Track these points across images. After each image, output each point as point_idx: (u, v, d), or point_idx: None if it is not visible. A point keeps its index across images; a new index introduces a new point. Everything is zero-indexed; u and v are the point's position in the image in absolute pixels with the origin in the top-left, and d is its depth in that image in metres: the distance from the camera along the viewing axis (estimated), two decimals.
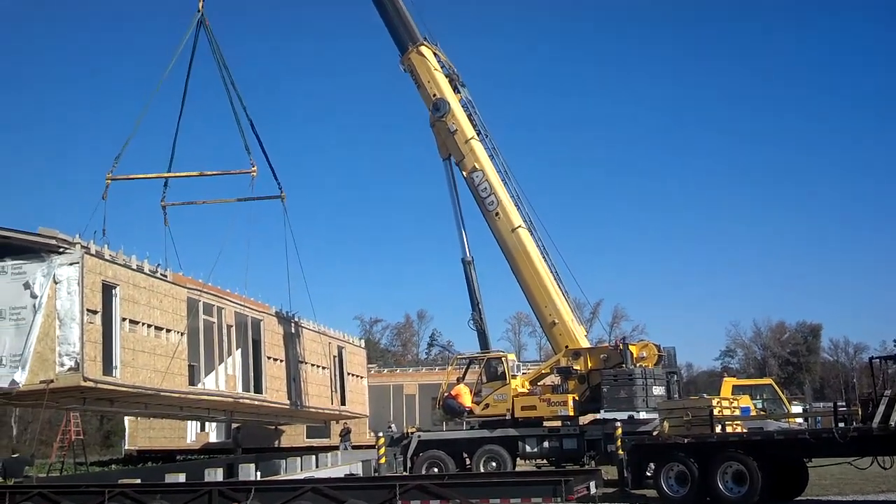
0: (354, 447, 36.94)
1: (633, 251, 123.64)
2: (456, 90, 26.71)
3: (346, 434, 38.37)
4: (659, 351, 23.70)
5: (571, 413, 23.19)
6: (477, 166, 25.76)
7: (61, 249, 19.47)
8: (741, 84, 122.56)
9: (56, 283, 19.31)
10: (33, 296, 19.33)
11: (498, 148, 26.54)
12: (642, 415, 22.19)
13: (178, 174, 26.62)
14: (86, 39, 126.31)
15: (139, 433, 44.17)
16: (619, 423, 21.68)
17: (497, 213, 25.44)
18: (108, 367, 19.93)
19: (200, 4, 25.76)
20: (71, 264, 19.42)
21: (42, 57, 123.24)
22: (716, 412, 18.73)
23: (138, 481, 19.27)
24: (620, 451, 20.31)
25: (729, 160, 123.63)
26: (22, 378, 19.01)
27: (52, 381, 19.01)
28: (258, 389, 27.18)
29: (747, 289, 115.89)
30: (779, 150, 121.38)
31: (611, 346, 24.61)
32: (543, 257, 25.42)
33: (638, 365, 22.97)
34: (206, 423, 41.03)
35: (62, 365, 19.08)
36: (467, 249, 26.42)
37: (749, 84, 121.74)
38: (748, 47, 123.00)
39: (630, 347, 23.44)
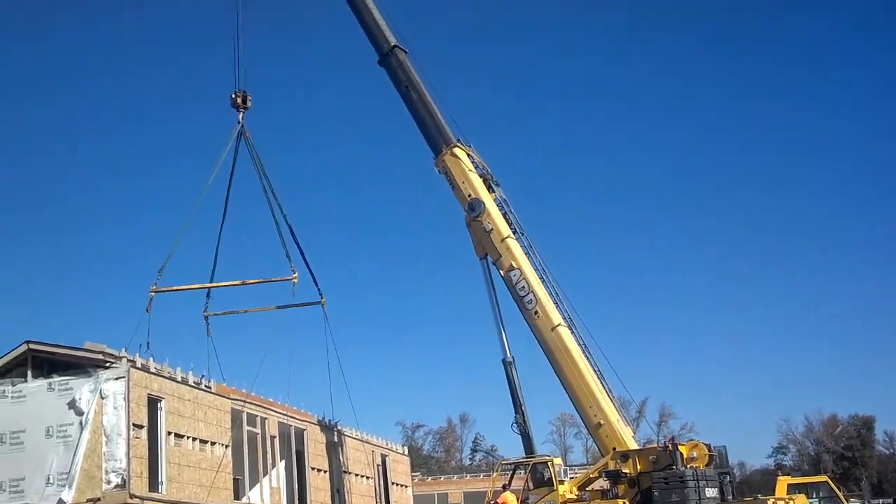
0: None
1: (677, 347, 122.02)
2: (490, 189, 26.95)
3: None
4: (710, 451, 22.95)
5: None
6: (514, 265, 25.76)
7: (107, 364, 19.77)
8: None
9: (102, 398, 19.52)
10: (80, 412, 19.56)
11: (534, 246, 26.56)
12: None
13: (220, 284, 26.85)
14: (126, 152, 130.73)
15: None
16: None
17: (536, 312, 25.25)
18: (153, 482, 19.90)
19: (240, 116, 26.64)
20: (117, 379, 19.65)
21: (84, 170, 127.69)
22: None
23: None
24: None
25: (774, 255, 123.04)
26: (69, 497, 19.07)
27: (98, 499, 19.04)
28: (302, 502, 26.82)
29: (797, 382, 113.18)
30: (823, 246, 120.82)
31: (660, 446, 23.89)
32: (585, 355, 24.98)
33: (689, 466, 22.26)
34: None
35: (109, 482, 19.11)
36: (508, 350, 26.14)
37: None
38: None
39: (680, 448, 22.73)
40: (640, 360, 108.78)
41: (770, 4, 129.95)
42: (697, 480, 21.79)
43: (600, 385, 24.70)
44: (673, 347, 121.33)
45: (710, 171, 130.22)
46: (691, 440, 24.67)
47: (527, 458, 25.09)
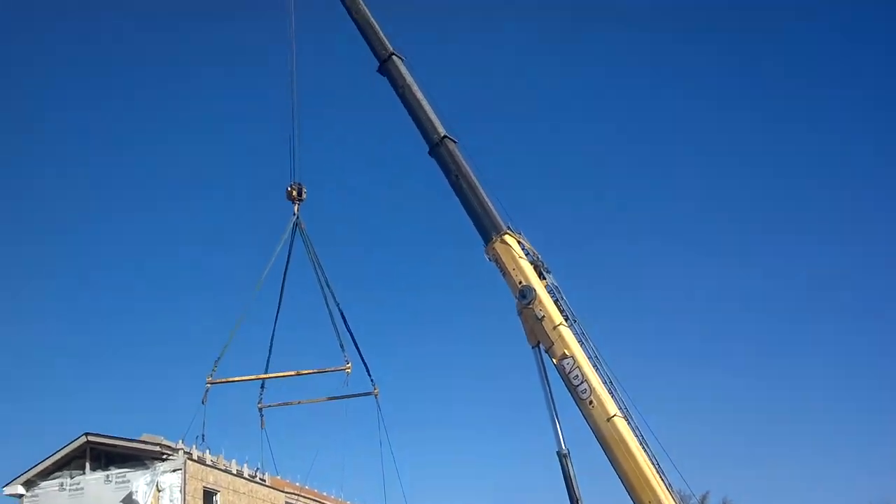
0: None
1: (737, 437, 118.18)
2: (541, 276, 26.89)
3: None
4: None
5: None
6: (567, 353, 25.47)
7: (164, 456, 20.08)
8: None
9: (159, 490, 19.81)
10: None
11: (587, 333, 26.34)
12: None
13: (274, 375, 27.00)
14: (181, 238, 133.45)
15: None
16: None
17: (591, 402, 24.81)
18: None
19: (296, 208, 27.27)
20: (174, 471, 19.94)
21: (135, 248, 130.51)
22: None
23: None
24: None
25: (835, 338, 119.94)
26: None
27: None
28: None
29: (868, 470, 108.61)
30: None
31: None
32: (642, 447, 24.51)
33: None
34: None
35: None
36: (562, 442, 25.69)
37: None
38: None
39: None
40: (701, 451, 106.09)
41: None
42: None
43: (658, 477, 24.07)
44: (735, 433, 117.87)
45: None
46: None
47: None
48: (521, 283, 26.45)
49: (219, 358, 25.68)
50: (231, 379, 26.47)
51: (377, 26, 29.13)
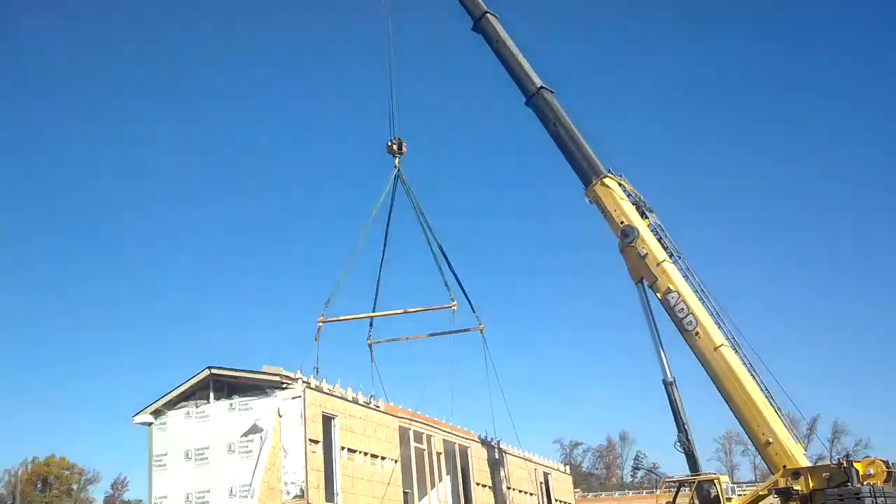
0: None
1: (851, 361, 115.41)
2: (643, 216, 26.99)
3: None
4: (888, 467, 21.95)
5: None
6: (671, 287, 25.58)
7: (284, 385, 21.04)
8: None
9: (280, 416, 20.79)
10: (259, 430, 20.90)
11: (693, 268, 26.31)
12: None
13: (382, 313, 28.13)
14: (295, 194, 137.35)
15: None
16: None
17: (697, 333, 24.95)
18: (329, 494, 21.01)
19: (397, 161, 28.03)
20: (293, 398, 20.89)
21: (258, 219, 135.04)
22: None
23: None
24: None
25: None
26: None
27: None
28: None
29: None
30: None
31: (833, 464, 23.12)
32: (751, 374, 24.47)
33: (865, 483, 21.43)
34: None
35: (288, 493, 20.29)
36: (668, 371, 25.90)
37: None
38: None
39: (855, 465, 21.93)
40: (813, 375, 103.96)
41: None
42: (875, 497, 20.98)
43: (768, 403, 24.11)
44: (848, 361, 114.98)
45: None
46: (867, 457, 23.61)
47: (693, 475, 24.78)
48: (622, 222, 26.62)
49: (329, 299, 26.95)
50: (341, 318, 27.64)
51: None
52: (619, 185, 27.25)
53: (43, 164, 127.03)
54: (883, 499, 21.07)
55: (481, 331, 27.34)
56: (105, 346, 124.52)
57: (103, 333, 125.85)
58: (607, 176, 27.19)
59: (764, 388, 24.47)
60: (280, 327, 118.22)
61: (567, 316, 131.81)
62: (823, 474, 22.35)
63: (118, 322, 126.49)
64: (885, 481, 21.67)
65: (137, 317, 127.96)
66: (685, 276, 26.00)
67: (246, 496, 20.53)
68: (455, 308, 26.33)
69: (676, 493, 25.25)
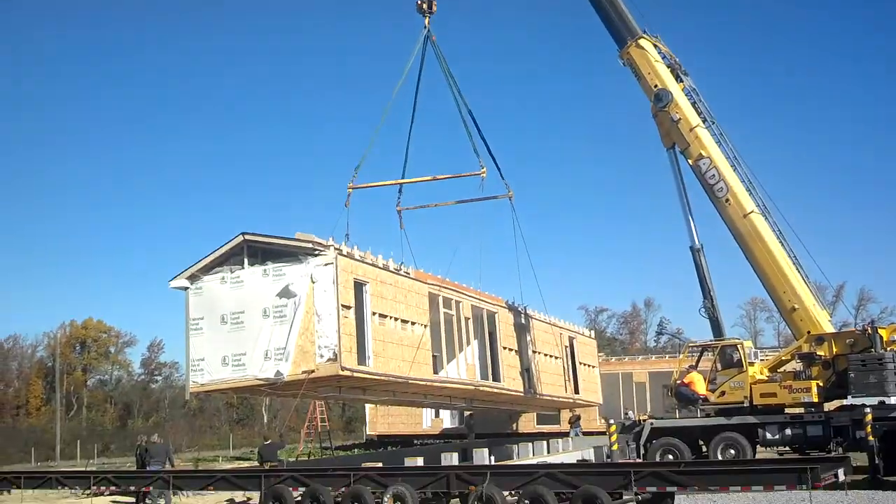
0: (584, 433, 37.45)
1: (878, 228, 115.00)
2: (678, 79, 26.39)
3: (575, 421, 38.96)
4: None
5: (815, 399, 22.37)
6: (703, 153, 25.31)
7: (316, 252, 21.22)
8: None
9: (313, 282, 21.09)
10: (293, 295, 21.16)
11: (726, 134, 25.93)
12: (894, 400, 21.03)
13: (411, 180, 28.24)
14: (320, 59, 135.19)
15: (379, 419, 47.29)
16: (868, 409, 20.66)
17: (727, 200, 24.85)
18: (361, 357, 21.61)
19: (426, 21, 27.25)
20: (326, 265, 21.13)
21: (284, 85, 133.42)
22: None
23: (380, 465, 20.32)
24: (871, 437, 19.45)
25: None
26: (286, 369, 20.95)
27: (312, 371, 20.75)
28: (496, 378, 28.28)
29: None
30: None
31: (858, 330, 23.42)
32: (780, 241, 24.51)
33: (889, 349, 21.77)
34: (440, 410, 43.04)
35: (321, 356, 20.79)
36: (696, 237, 25.97)
37: None
38: None
39: (879, 330, 22.22)
40: (840, 243, 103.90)
41: None
42: None
43: (795, 270, 24.26)
44: (875, 225, 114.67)
45: None
46: (892, 324, 23.90)
47: (716, 340, 25.22)
48: (656, 86, 26.04)
49: (358, 165, 26.99)
50: (370, 184, 27.81)
51: None
52: (655, 46, 26.51)
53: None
54: None
55: (510, 198, 27.57)
56: (140, 211, 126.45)
57: (139, 199, 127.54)
58: (642, 37, 26.41)
59: (792, 255, 24.58)
60: (313, 196, 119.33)
61: (596, 182, 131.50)
62: (847, 340, 22.70)
63: (153, 188, 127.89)
64: None
65: (173, 183, 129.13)
66: (718, 143, 25.71)
67: (281, 359, 21.03)
68: (484, 175, 26.28)
69: (699, 357, 25.79)
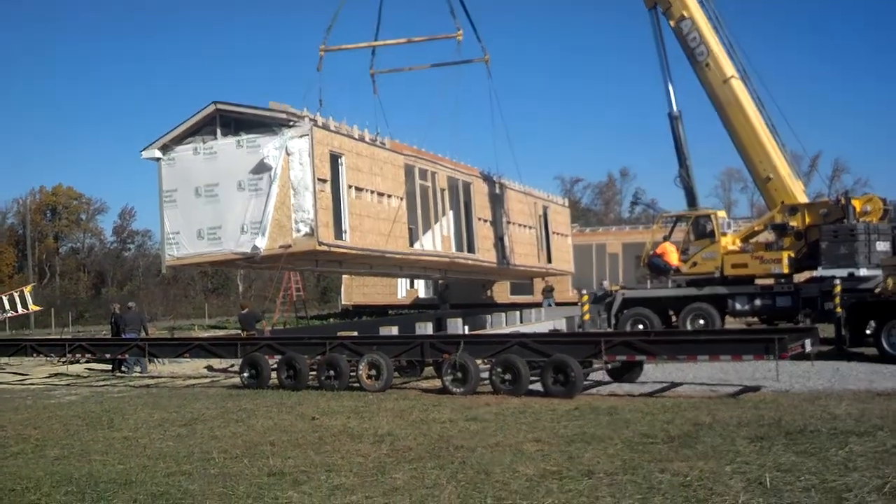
0: (557, 304, 38.07)
1: (855, 99, 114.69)
2: None
3: (548, 292, 39.52)
4: (884, 205, 22.27)
5: (786, 270, 22.62)
6: (685, 14, 24.56)
7: (291, 123, 20.69)
8: None
9: (288, 154, 20.67)
10: (268, 167, 20.79)
11: None
12: (863, 271, 21.19)
13: (386, 42, 27.27)
14: None
15: (354, 290, 47.75)
16: (837, 281, 20.83)
17: (707, 64, 24.32)
18: (338, 231, 21.53)
19: None
20: (301, 136, 20.66)
21: None
22: None
23: (355, 334, 20.49)
24: (839, 309, 19.74)
25: None
26: (262, 244, 20.84)
27: (289, 245, 20.71)
28: (471, 249, 28.44)
29: None
30: None
31: (831, 200, 23.47)
32: (758, 109, 24.18)
33: (861, 220, 21.88)
34: (415, 280, 43.49)
35: (298, 231, 20.67)
36: (674, 104, 25.59)
37: None
38: None
39: (853, 202, 22.23)
40: (817, 112, 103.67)
41: None
42: (868, 234, 21.45)
43: (772, 138, 24.06)
44: (853, 95, 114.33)
45: None
46: (866, 194, 23.98)
47: (689, 210, 25.27)
48: None
49: (330, 26, 25.99)
50: (343, 46, 26.90)
51: None
52: None
53: None
54: (876, 235, 21.62)
55: (486, 62, 26.81)
56: (110, 75, 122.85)
57: (110, 64, 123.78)
58: None
59: (769, 123, 24.31)
60: (283, 65, 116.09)
61: (575, 50, 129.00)
62: (820, 210, 22.73)
63: (124, 55, 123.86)
64: (881, 219, 22.11)
65: (143, 50, 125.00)
66: (700, 3, 24.97)
67: (257, 233, 20.85)
68: (460, 38, 25.41)
69: (672, 228, 25.82)
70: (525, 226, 32.82)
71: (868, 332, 18.55)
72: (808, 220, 22.78)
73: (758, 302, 22.67)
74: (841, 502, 6.83)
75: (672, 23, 24.84)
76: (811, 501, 6.89)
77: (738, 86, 24.19)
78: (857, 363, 17.70)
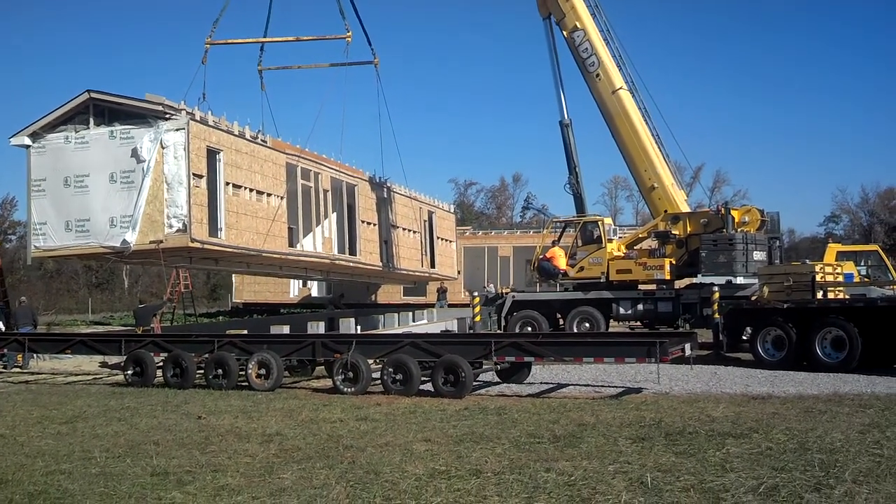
0: (449, 306, 37.96)
1: (736, 114, 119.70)
2: None
3: (442, 293, 39.44)
4: (762, 216, 23.00)
5: (668, 277, 23.02)
6: (578, 25, 24.96)
7: (168, 115, 19.90)
8: None
9: (163, 147, 19.84)
10: (141, 160, 19.92)
11: (600, 5, 25.54)
12: (741, 279, 21.79)
13: (274, 39, 26.78)
14: None
15: (245, 287, 46.41)
16: (716, 288, 21.32)
17: (598, 75, 24.72)
18: (213, 228, 20.70)
19: None
20: (177, 130, 19.87)
21: None
22: (818, 278, 18.38)
23: (245, 332, 19.97)
24: (717, 315, 20.18)
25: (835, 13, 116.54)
26: (133, 238, 19.95)
27: (161, 241, 19.89)
28: (353, 251, 27.96)
29: (856, 152, 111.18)
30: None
31: (712, 210, 24.07)
32: (645, 120, 24.75)
33: (739, 230, 22.48)
34: (308, 280, 42.71)
35: (170, 227, 19.84)
36: (566, 112, 25.96)
37: None
38: None
39: (732, 212, 22.85)
40: (700, 125, 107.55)
41: None
42: (746, 243, 22.07)
43: (657, 149, 24.66)
44: (734, 111, 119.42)
45: None
46: (744, 205, 24.70)
47: (578, 216, 25.57)
48: None
49: (217, 19, 25.29)
50: (230, 41, 26.23)
51: None
52: None
53: None
54: (753, 245, 22.26)
55: (375, 65, 26.71)
56: None
57: None
58: None
59: (655, 134, 24.94)
60: (167, 59, 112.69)
61: (470, 54, 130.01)
62: (701, 220, 23.30)
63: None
64: (759, 229, 22.81)
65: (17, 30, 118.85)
66: (593, 15, 25.33)
67: (127, 227, 19.96)
68: (350, 40, 25.05)
69: (561, 232, 26.16)
70: (410, 230, 32.53)
71: (744, 337, 18.96)
72: (689, 228, 23.28)
73: (641, 307, 23.01)
74: (718, 502, 6.81)
75: (565, 33, 25.24)
76: (690, 501, 6.83)
77: (626, 97, 24.67)
78: (734, 367, 18.02)
